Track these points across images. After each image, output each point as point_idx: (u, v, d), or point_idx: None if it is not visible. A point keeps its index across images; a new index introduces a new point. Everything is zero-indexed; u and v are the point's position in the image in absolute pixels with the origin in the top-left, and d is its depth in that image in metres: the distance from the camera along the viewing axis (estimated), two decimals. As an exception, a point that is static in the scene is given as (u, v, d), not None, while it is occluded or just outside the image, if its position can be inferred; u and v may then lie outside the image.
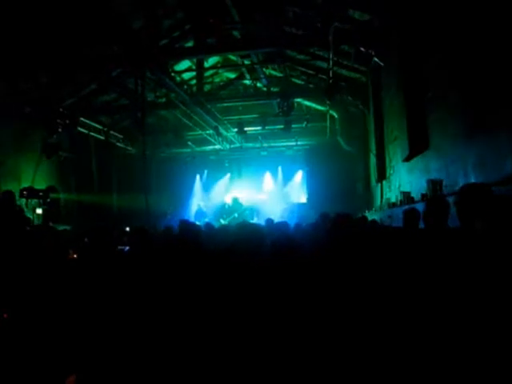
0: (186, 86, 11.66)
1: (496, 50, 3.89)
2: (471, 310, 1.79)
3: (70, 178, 13.03)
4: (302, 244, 2.89)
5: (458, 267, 1.92)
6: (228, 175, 18.06)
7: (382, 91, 9.50)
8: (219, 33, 8.40)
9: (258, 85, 12.36)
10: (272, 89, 12.13)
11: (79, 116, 11.27)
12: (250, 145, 15.66)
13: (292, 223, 5.63)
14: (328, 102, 11.54)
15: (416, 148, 6.71)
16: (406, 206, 5.73)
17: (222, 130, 13.81)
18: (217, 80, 13.83)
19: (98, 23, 8.03)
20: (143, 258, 3.20)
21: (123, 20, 8.21)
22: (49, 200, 10.51)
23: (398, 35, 7.09)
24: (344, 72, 10.74)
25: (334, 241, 3.22)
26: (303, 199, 15.99)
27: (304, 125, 13.45)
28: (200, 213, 15.58)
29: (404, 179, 7.78)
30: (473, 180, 4.42)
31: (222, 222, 14.08)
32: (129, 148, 14.66)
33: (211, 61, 12.34)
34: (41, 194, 10.19)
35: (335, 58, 8.91)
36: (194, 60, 11.73)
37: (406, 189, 7.19)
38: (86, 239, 3.67)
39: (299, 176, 16.82)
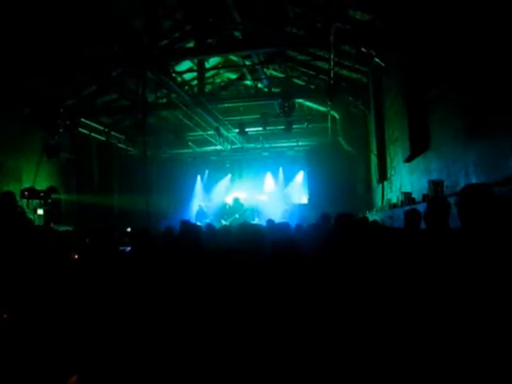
0: (187, 87, 11.66)
1: (496, 51, 3.89)
2: (472, 310, 1.79)
3: (70, 179, 13.06)
4: (303, 244, 2.89)
5: (458, 268, 1.92)
6: (229, 176, 18.05)
7: (383, 92, 9.49)
8: (220, 33, 8.40)
9: (259, 85, 12.36)
10: (273, 89, 12.13)
11: (80, 117, 11.29)
12: (251, 145, 15.65)
13: (293, 224, 5.63)
14: (329, 103, 11.54)
15: (417, 148, 6.70)
16: (407, 207, 5.72)
17: (223, 131, 13.81)
18: (218, 80, 13.84)
19: (98, 23, 8.04)
20: (144, 258, 3.20)
21: (123, 20, 8.22)
22: (50, 201, 10.54)
23: (399, 36, 7.08)
24: (345, 72, 10.74)
25: (335, 241, 3.22)
26: (304, 200, 15.98)
27: (305, 125, 13.44)
28: (201, 213, 15.59)
29: (405, 180, 7.78)
30: (474, 180, 4.41)
31: (223, 222, 14.08)
32: (130, 149, 14.66)
33: (212, 61, 12.35)
34: (42, 194, 10.22)
35: (336, 59, 8.90)
36: (195, 61, 11.73)
37: (407, 189, 7.19)
38: (87, 240, 3.67)
39: (300, 177, 16.82)
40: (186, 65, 12.08)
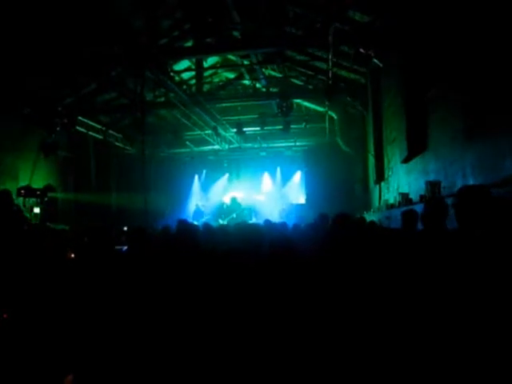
0: (185, 86, 11.65)
1: (496, 51, 3.90)
2: (469, 311, 1.79)
3: (68, 178, 13.02)
4: (300, 244, 2.89)
5: (455, 269, 1.92)
6: (226, 175, 18.06)
7: (381, 92, 9.51)
8: (219, 33, 8.38)
9: (258, 85, 12.35)
10: (271, 89, 12.12)
11: (78, 115, 11.25)
12: (249, 145, 15.66)
13: (290, 224, 5.64)
14: (327, 103, 11.55)
15: (415, 149, 6.72)
16: (405, 208, 5.74)
17: (220, 130, 13.80)
18: (216, 80, 13.81)
19: (97, 23, 8.02)
20: (141, 257, 3.19)
21: (123, 20, 8.20)
22: (46, 199, 10.49)
23: (399, 36, 7.09)
24: (343, 73, 10.75)
25: (332, 241, 3.22)
26: (302, 200, 16.00)
27: (303, 125, 13.46)
28: (198, 212, 15.57)
29: (402, 180, 7.79)
30: (471, 182, 4.42)
31: (221, 222, 14.07)
32: (127, 147, 14.62)
33: (210, 61, 12.32)
34: (38, 193, 10.17)
35: (335, 59, 8.90)
36: (194, 60, 11.71)
37: (405, 190, 7.20)
38: (85, 239, 3.66)
39: (298, 176, 16.84)
40: (184, 64, 12.05)
